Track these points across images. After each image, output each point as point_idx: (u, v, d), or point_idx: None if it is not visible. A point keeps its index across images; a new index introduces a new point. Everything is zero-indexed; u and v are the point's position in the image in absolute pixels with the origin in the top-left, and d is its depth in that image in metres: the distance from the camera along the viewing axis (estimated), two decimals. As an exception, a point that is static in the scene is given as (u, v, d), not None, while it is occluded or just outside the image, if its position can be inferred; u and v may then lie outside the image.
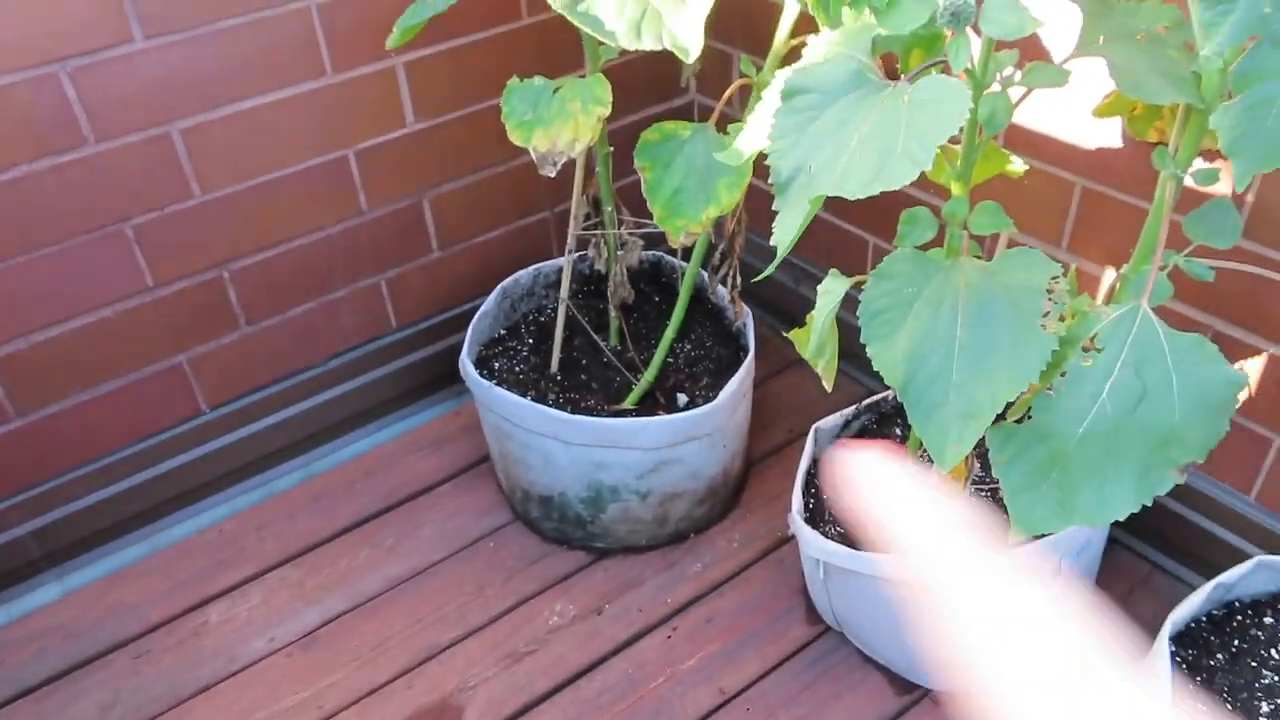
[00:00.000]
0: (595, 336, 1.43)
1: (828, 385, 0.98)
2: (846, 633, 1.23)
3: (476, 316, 1.41)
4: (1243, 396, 1.12)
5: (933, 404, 0.77)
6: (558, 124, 1.11)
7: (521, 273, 1.48)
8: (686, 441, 1.26)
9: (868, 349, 0.80)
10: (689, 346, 1.45)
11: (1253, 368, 1.10)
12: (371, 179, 1.41)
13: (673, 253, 1.52)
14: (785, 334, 1.03)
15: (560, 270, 1.50)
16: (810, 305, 0.98)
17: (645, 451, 1.26)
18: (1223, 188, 1.05)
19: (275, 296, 1.41)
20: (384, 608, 1.32)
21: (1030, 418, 0.79)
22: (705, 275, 1.41)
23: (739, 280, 1.32)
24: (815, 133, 0.75)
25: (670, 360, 1.42)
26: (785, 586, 1.30)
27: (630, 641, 1.26)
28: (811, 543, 1.11)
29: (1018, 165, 1.01)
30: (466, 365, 1.33)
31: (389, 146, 1.40)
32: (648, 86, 1.60)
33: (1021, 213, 1.24)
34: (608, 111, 1.10)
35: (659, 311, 1.51)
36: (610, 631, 1.27)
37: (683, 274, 1.45)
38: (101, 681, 1.25)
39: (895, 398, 1.29)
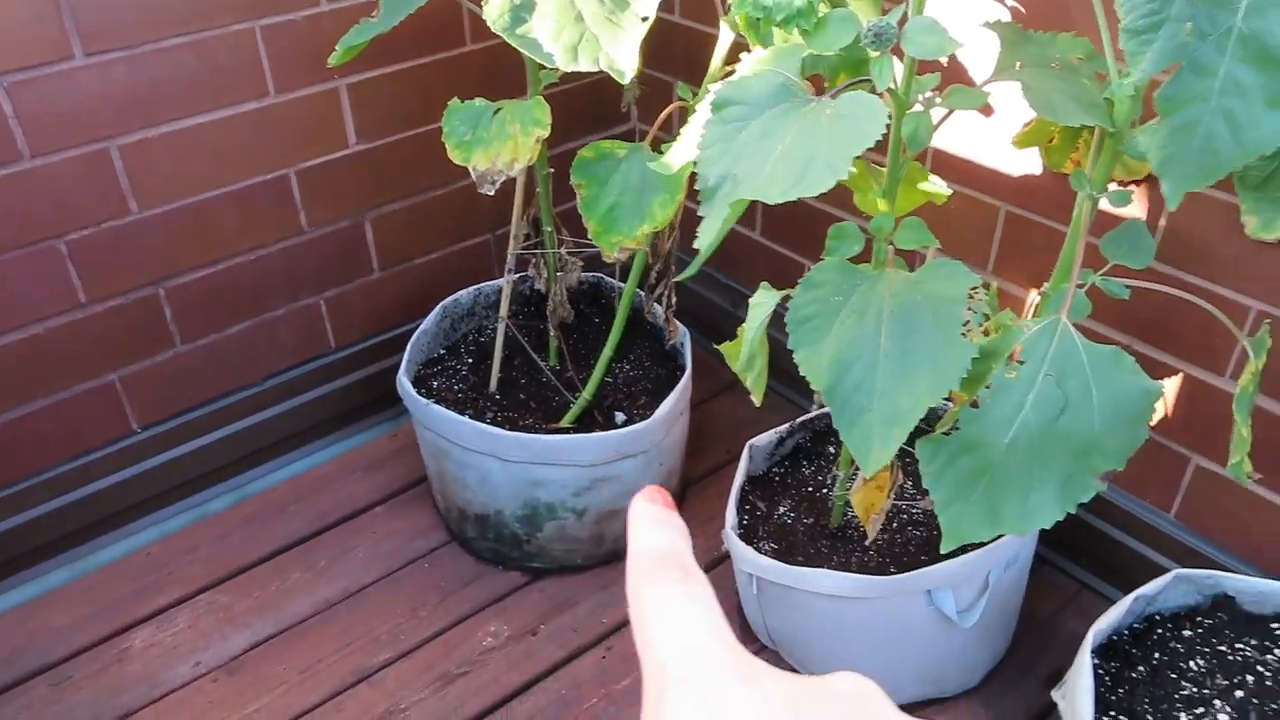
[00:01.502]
0: (534, 356, 1.44)
1: (756, 399, 1.00)
2: (781, 650, 1.23)
3: (415, 335, 1.41)
4: (1160, 414, 1.16)
5: (858, 410, 0.79)
6: (497, 144, 1.13)
7: (462, 292, 1.49)
8: (622, 459, 1.27)
9: (795, 355, 0.82)
10: (628, 367, 1.46)
11: (1169, 387, 1.14)
12: (312, 198, 1.41)
13: (613, 274, 1.54)
14: (717, 346, 1.05)
15: (501, 290, 1.51)
16: (746, 325, 1.00)
17: (582, 468, 1.26)
18: (1134, 211, 1.10)
19: (212, 315, 1.40)
20: (314, 631, 1.30)
21: (958, 430, 0.81)
22: (643, 296, 1.42)
23: (674, 300, 1.34)
24: (742, 143, 0.77)
25: (609, 380, 1.43)
26: (721, 605, 1.30)
27: (564, 662, 1.26)
28: (744, 558, 1.11)
29: (943, 189, 1.04)
30: (404, 383, 1.32)
31: (331, 167, 1.40)
32: (590, 113, 1.63)
33: (950, 236, 1.28)
34: (546, 133, 1.12)
35: (598, 332, 1.52)
36: (545, 652, 1.27)
37: (621, 295, 1.47)
38: (20, 710, 1.21)
39: (830, 417, 1.31)
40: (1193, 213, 1.06)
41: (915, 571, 1.06)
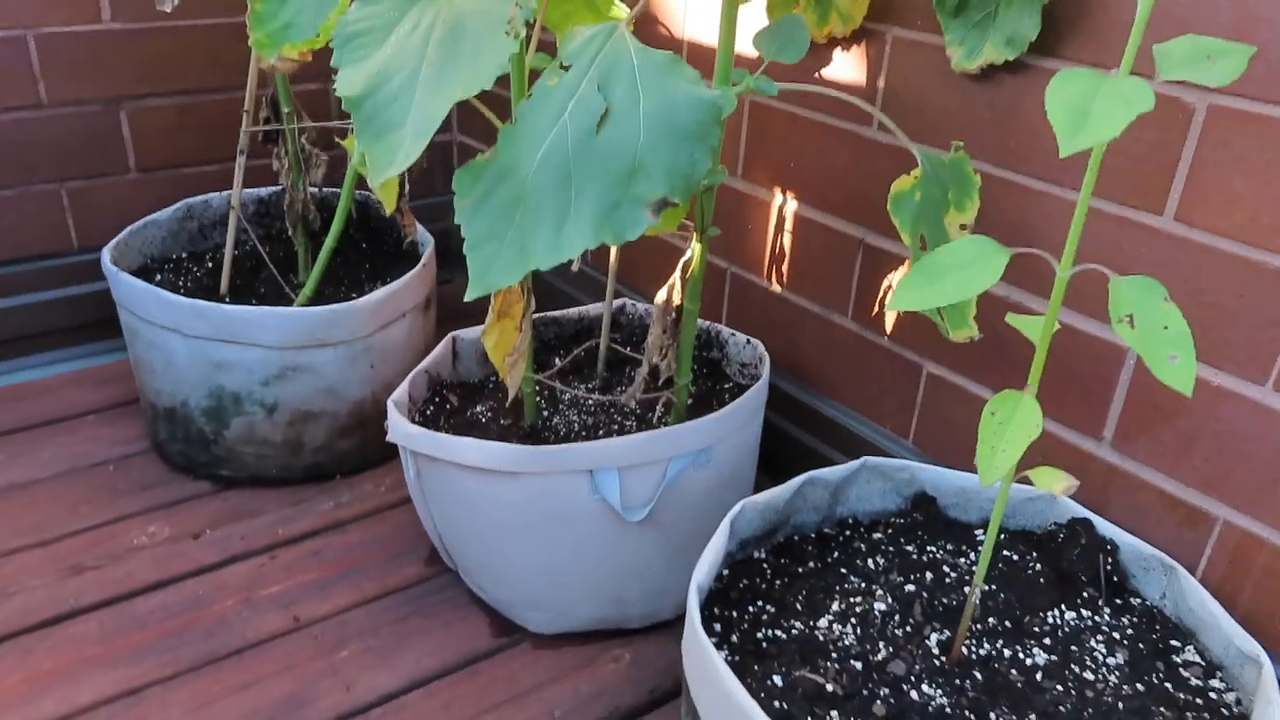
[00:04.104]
0: (262, 249, 1.32)
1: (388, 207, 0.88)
2: (461, 571, 1.06)
3: (144, 221, 1.30)
4: (892, 320, 1.04)
5: (389, 124, 0.67)
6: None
7: (214, 195, 1.38)
8: (318, 345, 1.13)
9: (338, 74, 0.70)
10: (382, 276, 1.34)
11: (899, 278, 1.01)
12: (54, 70, 1.32)
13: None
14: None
15: (260, 199, 1.41)
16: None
17: (269, 350, 1.13)
18: (853, 68, 1.00)
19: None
20: (-47, 516, 1.14)
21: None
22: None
23: (407, 189, 1.23)
24: None
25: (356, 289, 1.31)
26: (419, 531, 1.14)
27: (216, 566, 1.09)
28: (396, 427, 0.96)
29: (624, 10, 0.95)
30: (105, 255, 1.21)
31: (79, 40, 1.33)
32: None
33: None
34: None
35: (363, 253, 1.40)
36: (197, 555, 1.10)
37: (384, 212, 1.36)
38: None
39: (575, 318, 1.18)
40: (910, 70, 0.95)
41: (572, 444, 0.91)
